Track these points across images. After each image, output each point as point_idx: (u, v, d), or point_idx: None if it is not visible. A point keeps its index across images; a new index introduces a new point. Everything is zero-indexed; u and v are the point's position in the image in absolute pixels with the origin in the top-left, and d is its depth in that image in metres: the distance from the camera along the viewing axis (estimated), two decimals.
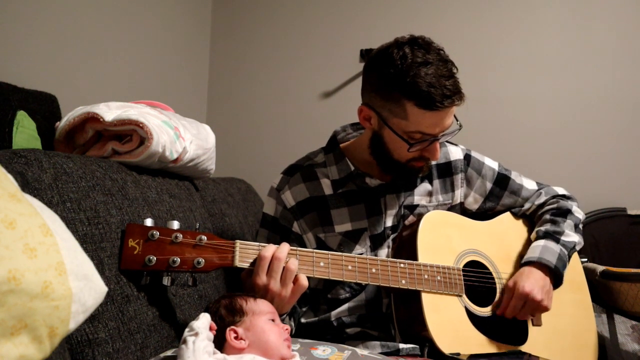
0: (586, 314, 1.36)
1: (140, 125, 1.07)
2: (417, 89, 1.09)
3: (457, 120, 1.18)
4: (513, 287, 1.22)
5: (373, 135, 1.23)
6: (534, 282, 1.21)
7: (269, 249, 1.03)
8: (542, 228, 1.32)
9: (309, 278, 1.06)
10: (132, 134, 1.10)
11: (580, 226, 1.37)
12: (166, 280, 0.97)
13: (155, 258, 0.94)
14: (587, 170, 2.17)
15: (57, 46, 1.67)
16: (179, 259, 0.95)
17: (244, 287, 1.09)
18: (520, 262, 1.29)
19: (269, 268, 1.02)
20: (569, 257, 1.30)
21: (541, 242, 1.29)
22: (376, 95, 1.17)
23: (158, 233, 0.95)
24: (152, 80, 2.21)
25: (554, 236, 1.29)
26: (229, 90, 2.69)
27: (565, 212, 1.35)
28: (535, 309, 1.22)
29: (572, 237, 1.31)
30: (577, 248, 1.33)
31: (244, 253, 1.03)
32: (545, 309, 1.23)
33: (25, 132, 1.20)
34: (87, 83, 1.81)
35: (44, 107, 1.36)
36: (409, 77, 1.09)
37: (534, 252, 1.27)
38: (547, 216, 1.35)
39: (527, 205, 1.40)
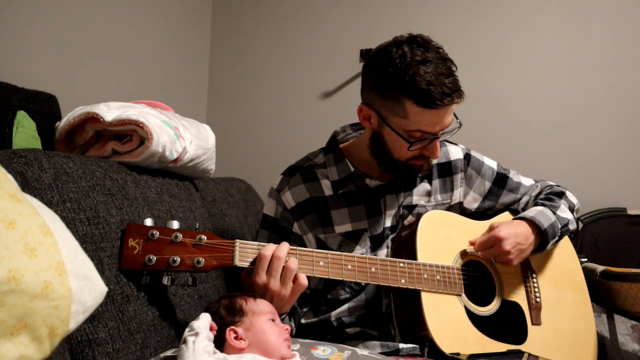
0: (586, 314, 1.36)
1: (140, 125, 1.07)
2: (417, 87, 1.09)
3: (456, 119, 1.18)
4: (492, 228, 1.23)
5: (373, 134, 1.23)
6: (512, 233, 1.21)
7: (269, 248, 1.03)
8: (539, 201, 1.35)
9: (308, 278, 1.06)
10: (132, 134, 1.10)
11: (575, 212, 1.38)
12: (166, 280, 0.97)
13: (155, 258, 0.94)
14: (587, 170, 2.17)
15: (57, 46, 1.67)
16: (178, 259, 0.95)
17: (243, 287, 1.09)
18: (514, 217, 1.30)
19: (269, 267, 1.02)
20: (561, 234, 1.31)
21: (538, 207, 1.31)
22: (376, 94, 1.17)
23: (158, 233, 0.95)
24: (152, 80, 2.21)
25: (550, 208, 1.31)
26: (229, 90, 2.69)
27: (560, 194, 1.37)
28: (499, 255, 1.23)
29: (567, 213, 1.33)
30: (571, 227, 1.34)
31: (243, 252, 1.03)
32: (508, 262, 1.23)
33: (25, 132, 1.20)
34: (87, 83, 1.81)
35: (44, 107, 1.36)
36: (408, 75, 1.09)
37: (529, 212, 1.28)
38: (542, 195, 1.38)
39: (525, 199, 1.41)
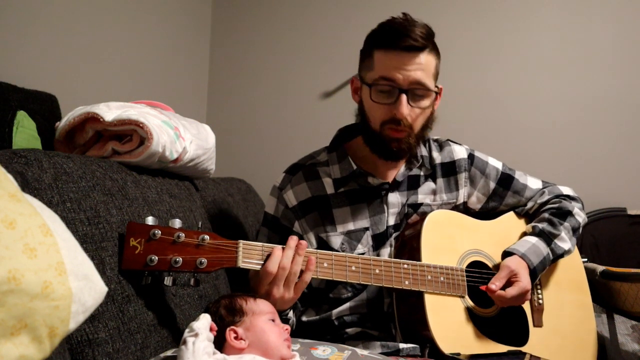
0: (587, 315, 1.36)
1: (140, 125, 1.07)
2: (380, 31, 1.18)
3: (436, 85, 1.21)
4: (516, 280, 1.21)
5: (359, 106, 1.28)
6: (527, 278, 1.21)
7: (274, 263, 1.02)
8: (539, 225, 1.31)
9: (311, 278, 1.06)
10: (132, 134, 1.10)
11: (580, 229, 1.36)
12: (168, 281, 0.95)
13: (156, 258, 0.93)
14: (587, 170, 2.17)
15: (57, 46, 1.67)
16: (181, 259, 0.94)
17: (250, 281, 1.09)
18: (505, 249, 1.28)
19: (273, 279, 1.02)
20: (554, 261, 1.30)
21: (533, 239, 1.28)
22: (360, 61, 1.25)
23: (160, 232, 0.94)
24: (152, 80, 2.21)
25: (548, 237, 1.29)
26: (229, 90, 2.69)
27: (565, 214, 1.33)
28: (522, 301, 1.24)
29: (565, 243, 1.30)
30: (565, 256, 1.32)
31: (247, 253, 1.02)
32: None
33: (25, 132, 1.20)
34: (87, 83, 1.81)
35: (44, 107, 1.36)
36: (378, 26, 1.19)
37: (521, 246, 1.27)
38: (546, 215, 1.34)
39: (529, 204, 1.40)
